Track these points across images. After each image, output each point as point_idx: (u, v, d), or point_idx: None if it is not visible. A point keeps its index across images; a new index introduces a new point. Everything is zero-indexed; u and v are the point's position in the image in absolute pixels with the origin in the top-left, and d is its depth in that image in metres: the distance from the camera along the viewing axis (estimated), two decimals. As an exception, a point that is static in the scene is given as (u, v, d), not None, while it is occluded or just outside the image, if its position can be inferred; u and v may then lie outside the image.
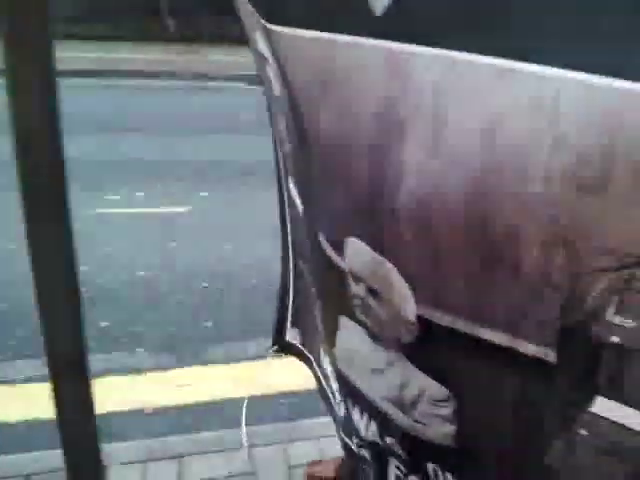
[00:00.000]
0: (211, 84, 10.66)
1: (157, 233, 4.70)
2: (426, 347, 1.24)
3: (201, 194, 5.60)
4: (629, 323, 0.92)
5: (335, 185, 1.31)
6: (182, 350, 3.27)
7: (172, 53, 12.21)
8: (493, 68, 0.93)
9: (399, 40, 1.04)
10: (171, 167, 6.20)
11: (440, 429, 1.30)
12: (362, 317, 1.37)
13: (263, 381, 3.03)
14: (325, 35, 1.16)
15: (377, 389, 1.43)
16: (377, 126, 1.14)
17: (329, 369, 1.76)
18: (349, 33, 1.11)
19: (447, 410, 1.27)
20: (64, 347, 1.42)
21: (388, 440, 1.49)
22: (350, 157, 1.22)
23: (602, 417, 1.01)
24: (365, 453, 1.70)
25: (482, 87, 0.96)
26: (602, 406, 1.01)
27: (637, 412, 0.97)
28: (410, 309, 1.22)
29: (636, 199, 0.84)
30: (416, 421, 1.34)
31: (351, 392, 1.58)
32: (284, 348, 1.91)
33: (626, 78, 0.79)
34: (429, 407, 1.30)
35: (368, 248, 1.26)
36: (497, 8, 0.95)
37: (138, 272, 4.05)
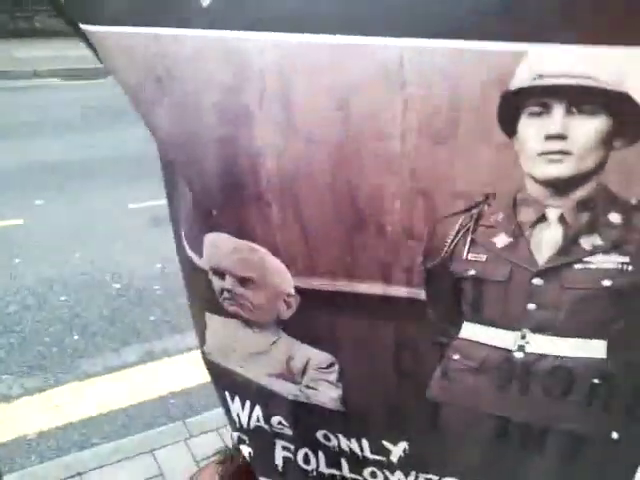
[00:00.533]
0: (22, 83, 9.92)
1: (-5, 251, 4.40)
2: (306, 318, 1.32)
3: (36, 202, 5.31)
4: (481, 258, 1.10)
5: (188, 183, 1.32)
6: (53, 369, 3.18)
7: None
8: (334, 45, 1.00)
9: (231, 28, 1.06)
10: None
11: (328, 393, 1.40)
12: (233, 309, 1.40)
13: (145, 386, 3.04)
14: (153, 30, 1.14)
15: (261, 369, 1.49)
16: (221, 116, 1.15)
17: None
18: (178, 26, 1.11)
19: (333, 375, 1.37)
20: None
21: (275, 420, 1.55)
22: (199, 152, 1.22)
23: (469, 340, 1.18)
24: (244, 448, 1.73)
25: (327, 64, 1.03)
26: (468, 330, 1.18)
27: (495, 330, 1.15)
28: (288, 283, 1.29)
29: (479, 145, 1.00)
30: (307, 386, 1.43)
31: (230, 382, 1.60)
32: None
33: (461, 38, 0.93)
34: (316, 373, 1.40)
35: (232, 239, 1.29)
36: None
37: (-15, 296, 3.80)
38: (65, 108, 8.37)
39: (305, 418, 1.49)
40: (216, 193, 1.26)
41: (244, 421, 1.63)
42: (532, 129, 0.96)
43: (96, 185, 5.71)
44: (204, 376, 3.01)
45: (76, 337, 3.44)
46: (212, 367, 1.65)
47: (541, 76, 0.91)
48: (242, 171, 1.19)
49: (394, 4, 0.97)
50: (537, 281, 1.07)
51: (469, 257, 1.11)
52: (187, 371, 3.15)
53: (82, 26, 1.25)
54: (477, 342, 1.18)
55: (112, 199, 5.41)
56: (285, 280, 1.30)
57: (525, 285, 1.08)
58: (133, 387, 3.05)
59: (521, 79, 0.92)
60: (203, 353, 1.64)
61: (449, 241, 1.10)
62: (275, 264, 1.28)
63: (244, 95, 1.11)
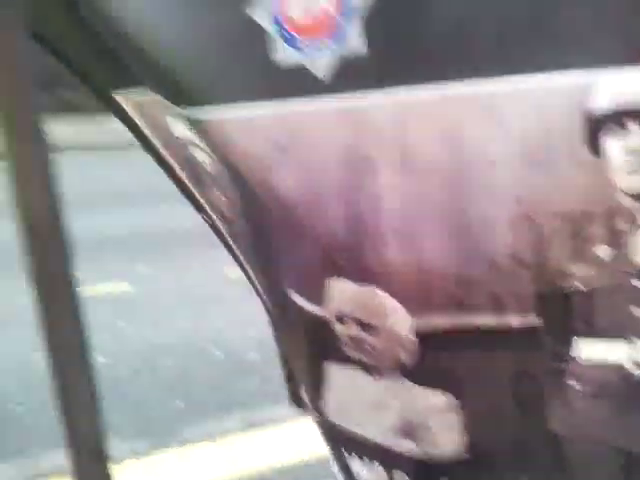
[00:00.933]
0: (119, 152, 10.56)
1: (102, 315, 4.62)
2: (426, 362, 1.33)
3: (138, 268, 5.57)
4: (585, 270, 1.14)
5: (304, 237, 1.37)
6: (158, 433, 3.27)
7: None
8: (444, 95, 1.08)
9: (347, 91, 1.14)
10: (94, 243, 6.08)
11: (452, 442, 1.39)
12: (355, 354, 1.41)
13: (249, 457, 3.08)
14: (278, 107, 1.20)
15: (377, 427, 1.48)
16: (344, 168, 1.24)
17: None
18: (297, 97, 1.18)
19: (456, 419, 1.36)
20: (85, 437, 1.37)
21: (397, 475, 1.58)
22: (324, 203, 1.30)
23: (586, 360, 1.18)
24: None
25: (438, 110, 1.11)
26: (583, 349, 1.19)
27: (607, 343, 1.17)
28: (409, 327, 1.31)
29: (571, 167, 1.06)
30: (425, 442, 1.42)
31: (345, 440, 1.58)
32: (301, 406, 1.94)
33: (547, 71, 1.00)
34: (438, 423, 1.40)
35: (351, 284, 1.33)
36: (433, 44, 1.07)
37: (98, 358, 3.97)
38: (159, 177, 8.81)
39: (427, 469, 1.50)
40: (339, 240, 1.33)
41: (366, 478, 1.64)
42: (614, 147, 1.04)
43: (193, 252, 5.95)
44: (306, 450, 3.05)
45: (180, 403, 3.55)
46: (326, 427, 1.67)
47: (613, 100, 1.00)
48: (364, 216, 1.27)
49: (487, 48, 1.05)
50: (638, 283, 1.12)
51: (574, 271, 1.16)
52: (288, 444, 3.18)
53: (186, 112, 1.36)
54: (592, 362, 1.19)
55: (209, 266, 5.61)
56: (403, 323, 1.34)
57: (629, 289, 1.13)
58: (234, 458, 3.09)
59: (597, 104, 1.01)
60: (317, 411, 1.67)
61: (555, 261, 1.16)
62: (395, 307, 1.31)
63: (364, 147, 1.22)
